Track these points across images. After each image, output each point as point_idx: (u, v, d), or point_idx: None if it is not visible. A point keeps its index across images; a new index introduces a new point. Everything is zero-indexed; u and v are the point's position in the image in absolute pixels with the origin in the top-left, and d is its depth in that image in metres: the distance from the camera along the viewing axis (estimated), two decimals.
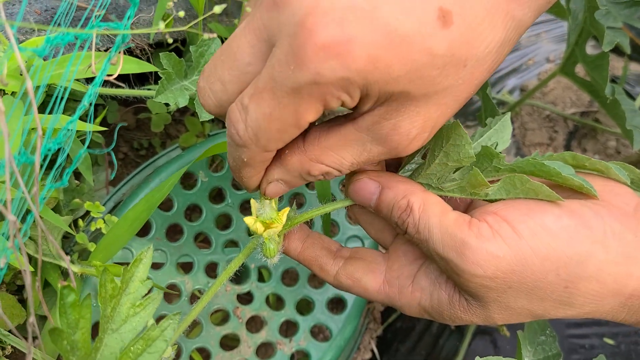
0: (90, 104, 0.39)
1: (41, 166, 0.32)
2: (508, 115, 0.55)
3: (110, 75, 0.45)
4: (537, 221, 0.43)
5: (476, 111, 1.11)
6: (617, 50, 1.16)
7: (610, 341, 0.87)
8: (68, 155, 0.69)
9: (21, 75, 0.49)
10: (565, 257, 0.42)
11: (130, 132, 0.96)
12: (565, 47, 0.92)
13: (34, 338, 0.64)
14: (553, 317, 0.45)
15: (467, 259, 0.42)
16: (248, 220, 0.50)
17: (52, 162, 0.43)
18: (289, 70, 0.35)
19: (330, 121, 0.43)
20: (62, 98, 0.37)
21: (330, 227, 0.78)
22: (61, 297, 0.41)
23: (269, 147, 0.40)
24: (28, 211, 0.45)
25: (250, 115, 0.38)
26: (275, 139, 0.39)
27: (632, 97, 1.04)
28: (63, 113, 0.47)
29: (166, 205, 0.79)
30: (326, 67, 0.34)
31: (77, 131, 0.62)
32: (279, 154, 0.43)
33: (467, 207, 0.52)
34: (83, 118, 0.57)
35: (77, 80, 0.60)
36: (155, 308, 0.44)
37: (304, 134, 0.43)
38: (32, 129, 0.47)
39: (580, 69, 1.04)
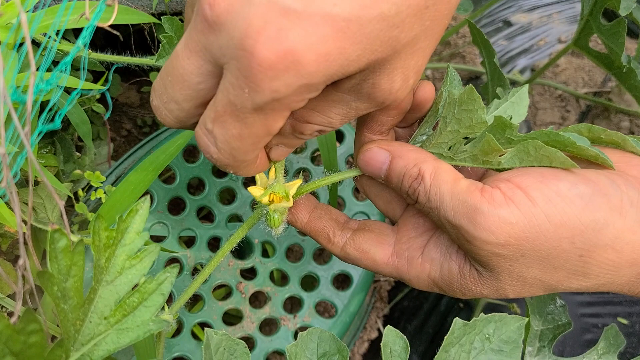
0: (85, 45, 0.37)
1: (32, 107, 0.31)
2: (526, 87, 0.53)
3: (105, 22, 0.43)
4: (551, 188, 0.41)
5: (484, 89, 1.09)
6: (630, 32, 1.14)
7: (624, 321, 0.85)
8: (68, 123, 0.67)
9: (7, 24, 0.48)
10: (580, 224, 0.40)
11: (134, 109, 0.95)
12: (576, 28, 0.90)
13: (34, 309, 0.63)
14: (567, 288, 0.44)
15: (479, 225, 0.41)
16: (253, 190, 0.49)
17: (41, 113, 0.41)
18: (245, 93, 0.34)
19: None
20: (50, 49, 0.36)
21: (337, 201, 0.77)
22: (51, 242, 0.39)
23: (248, 157, 0.40)
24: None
25: (219, 139, 0.38)
26: (251, 150, 0.39)
27: None
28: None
29: (168, 179, 0.78)
30: (279, 84, 0.33)
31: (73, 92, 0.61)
32: None
33: (479, 179, 0.51)
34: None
35: (66, 39, 0.58)
36: (152, 261, 0.42)
37: None
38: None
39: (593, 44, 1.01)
